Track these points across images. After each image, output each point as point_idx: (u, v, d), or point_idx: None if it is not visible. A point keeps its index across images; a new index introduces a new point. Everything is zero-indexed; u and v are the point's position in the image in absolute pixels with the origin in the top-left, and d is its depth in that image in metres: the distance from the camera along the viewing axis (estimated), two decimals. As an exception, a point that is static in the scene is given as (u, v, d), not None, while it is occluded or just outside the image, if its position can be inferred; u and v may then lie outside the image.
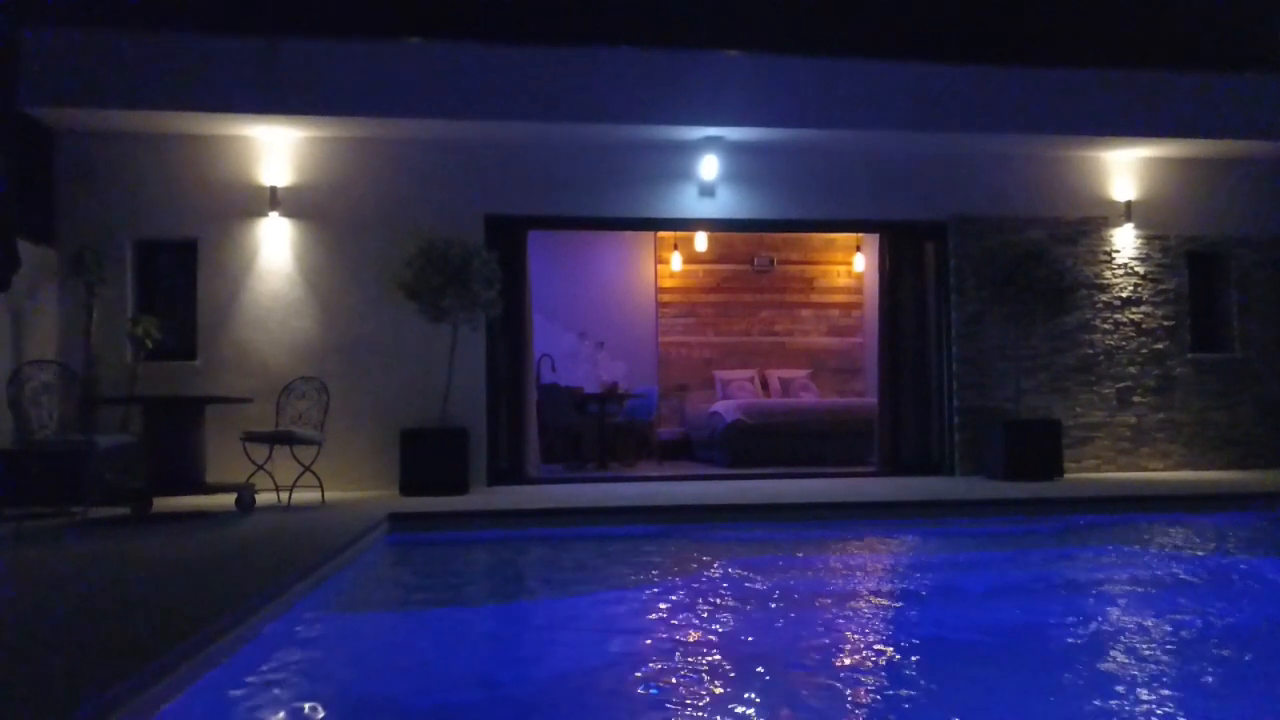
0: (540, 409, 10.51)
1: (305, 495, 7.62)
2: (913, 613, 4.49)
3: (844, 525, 6.69)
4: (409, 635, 4.25)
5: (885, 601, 4.70)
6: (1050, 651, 3.78)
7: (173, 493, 6.80)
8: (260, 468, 7.30)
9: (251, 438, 7.17)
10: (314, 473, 7.44)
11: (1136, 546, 6.08)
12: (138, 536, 5.85)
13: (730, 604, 4.56)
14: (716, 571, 5.27)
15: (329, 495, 7.92)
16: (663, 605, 4.56)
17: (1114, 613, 4.47)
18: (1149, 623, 4.17)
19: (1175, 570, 5.30)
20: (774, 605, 4.55)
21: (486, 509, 6.85)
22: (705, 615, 4.36)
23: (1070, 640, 3.93)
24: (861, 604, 4.61)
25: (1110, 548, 6.03)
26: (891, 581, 5.24)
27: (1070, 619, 4.24)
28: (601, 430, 10.80)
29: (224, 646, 3.45)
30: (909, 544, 6.34)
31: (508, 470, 9.03)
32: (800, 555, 5.96)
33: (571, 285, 12.54)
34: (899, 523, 6.84)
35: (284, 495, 7.35)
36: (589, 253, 12.64)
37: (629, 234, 12.63)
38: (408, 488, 8.06)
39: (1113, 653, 3.73)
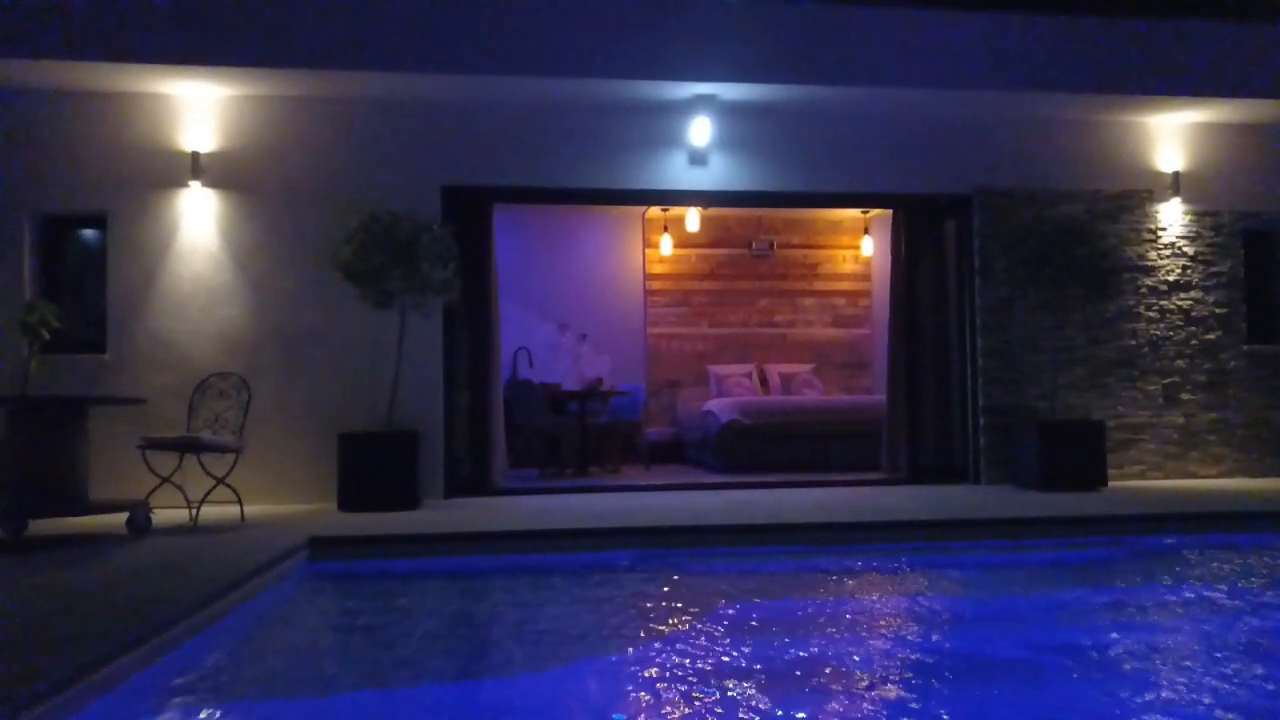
0: (511, 409, 9.35)
1: (225, 511, 6.46)
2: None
3: (859, 551, 5.53)
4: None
5: (935, 683, 3.50)
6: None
7: (44, 514, 5.63)
8: (165, 480, 6.15)
9: (152, 445, 6.00)
10: (229, 486, 6.28)
11: (1250, 583, 4.89)
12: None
13: (728, 680, 3.40)
14: (706, 626, 4.11)
15: (256, 510, 6.79)
16: (640, 679, 3.41)
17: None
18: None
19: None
20: (781, 685, 3.40)
21: (429, 531, 5.69)
22: (693, 692, 3.21)
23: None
24: (899, 689, 3.43)
25: (1213, 586, 4.80)
26: (935, 648, 3.98)
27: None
28: (582, 432, 9.65)
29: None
30: (947, 581, 5.18)
31: (469, 480, 7.87)
32: (806, 599, 4.77)
33: (550, 271, 11.39)
34: (927, 547, 5.68)
35: (207, 513, 6.20)
36: (570, 235, 11.48)
37: (614, 215, 11.48)
38: (347, 502, 6.90)
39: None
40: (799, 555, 5.53)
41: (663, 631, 3.94)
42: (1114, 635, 3.97)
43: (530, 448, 9.87)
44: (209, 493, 6.17)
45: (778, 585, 4.99)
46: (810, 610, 4.35)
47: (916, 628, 4.13)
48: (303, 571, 5.16)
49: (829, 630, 4.03)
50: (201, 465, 6.15)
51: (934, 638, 4.00)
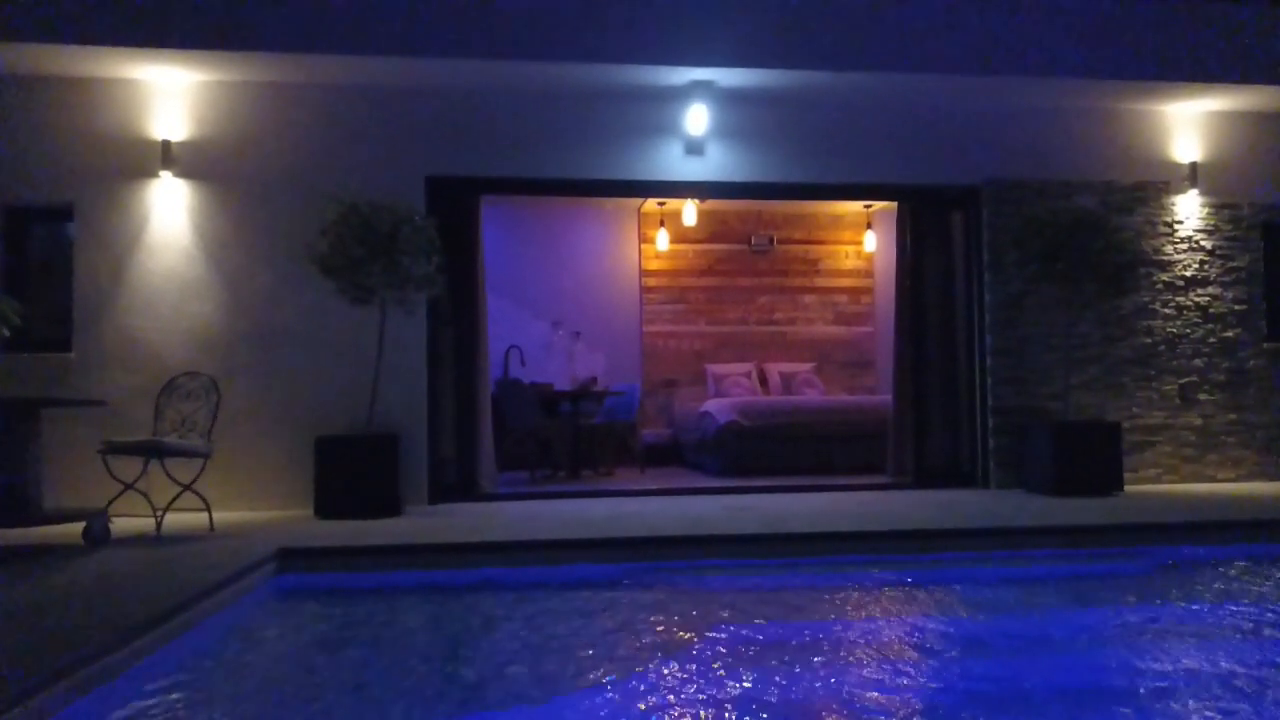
0: (500, 409, 8.99)
1: (194, 520, 6.10)
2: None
3: (866, 563, 5.16)
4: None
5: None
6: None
7: (-7, 523, 5.27)
8: (129, 487, 5.79)
9: (112, 449, 5.64)
10: (196, 493, 5.92)
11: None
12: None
13: None
14: (701, 653, 3.75)
15: (229, 518, 6.44)
16: None
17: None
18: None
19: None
20: None
21: (403, 542, 5.32)
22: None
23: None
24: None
25: (1264, 605, 4.40)
26: (963, 680, 3.54)
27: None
28: (575, 434, 9.29)
29: None
30: (964, 598, 4.82)
31: (455, 484, 7.51)
32: (810, 620, 4.39)
33: (543, 267, 11.04)
34: (939, 559, 5.32)
35: (176, 521, 5.84)
36: (563, 230, 11.13)
37: (609, 209, 11.12)
38: (325, 509, 6.54)
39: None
40: (802, 568, 5.17)
41: (652, 661, 3.58)
42: (1157, 664, 3.59)
43: (521, 450, 9.51)
44: (173, 500, 5.80)
45: (779, 604, 4.62)
46: (816, 634, 3.99)
47: (938, 656, 3.76)
48: (268, 587, 4.79)
49: (838, 658, 3.66)
50: (165, 471, 5.79)
51: (959, 669, 3.63)
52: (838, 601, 4.62)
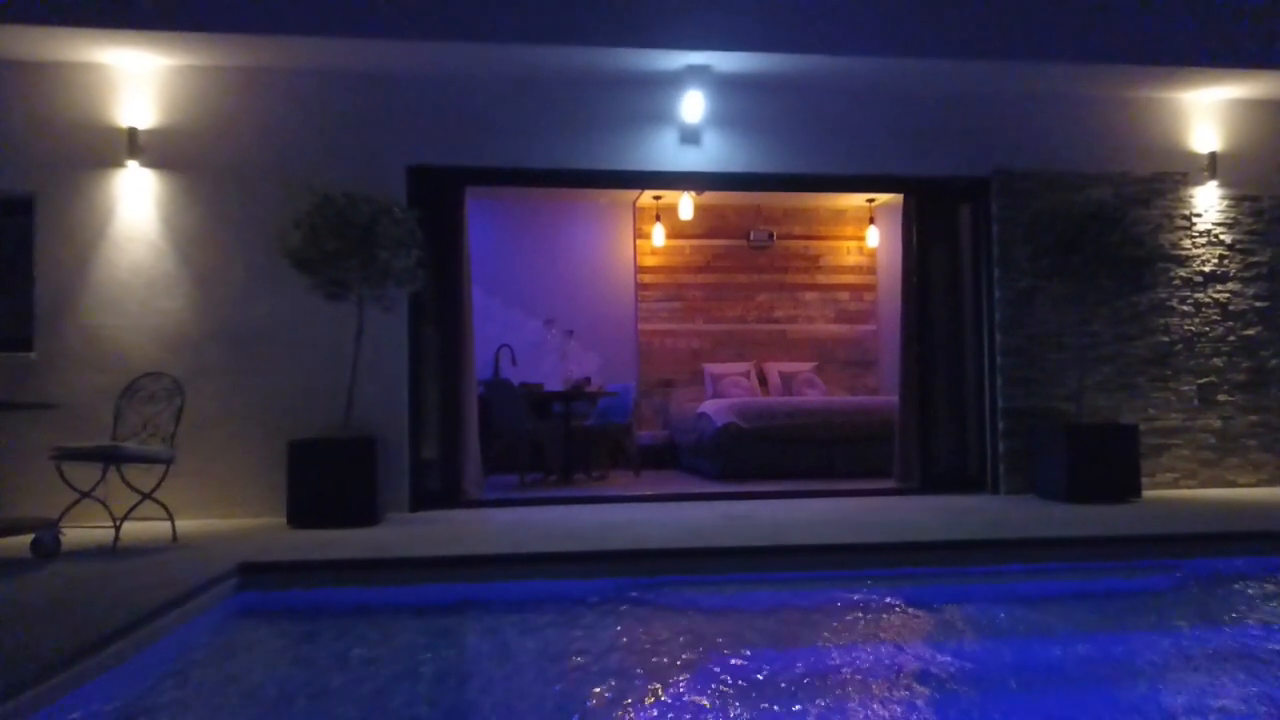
0: (489, 411, 8.64)
1: (157, 529, 5.74)
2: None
3: (875, 578, 4.79)
4: None
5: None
6: None
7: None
8: (86, 495, 5.43)
9: (65, 455, 5.27)
10: (158, 501, 5.55)
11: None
12: None
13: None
14: (696, 686, 3.39)
15: (196, 527, 6.09)
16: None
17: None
18: None
19: None
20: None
21: (375, 556, 4.94)
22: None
23: None
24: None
25: None
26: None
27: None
28: (567, 436, 8.93)
29: None
30: (988, 617, 4.45)
31: (439, 491, 7.15)
32: (817, 646, 4.03)
33: (535, 264, 10.68)
34: (954, 572, 4.95)
35: (138, 531, 5.47)
36: (556, 225, 10.77)
37: (603, 204, 10.76)
38: (298, 517, 6.18)
39: None
40: (803, 585, 4.80)
41: (639, 698, 3.22)
42: (1222, 699, 3.22)
43: (511, 453, 9.14)
44: (131, 510, 5.43)
45: (778, 627, 4.26)
46: (825, 663, 3.62)
47: (977, 687, 3.38)
48: (226, 607, 4.42)
49: (851, 694, 3.30)
50: (123, 479, 5.42)
51: (1004, 705, 3.25)
52: (842, 625, 4.26)
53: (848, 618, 4.32)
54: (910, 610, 4.43)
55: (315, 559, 4.85)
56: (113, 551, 5.22)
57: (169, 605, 3.98)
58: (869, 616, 4.33)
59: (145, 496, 5.45)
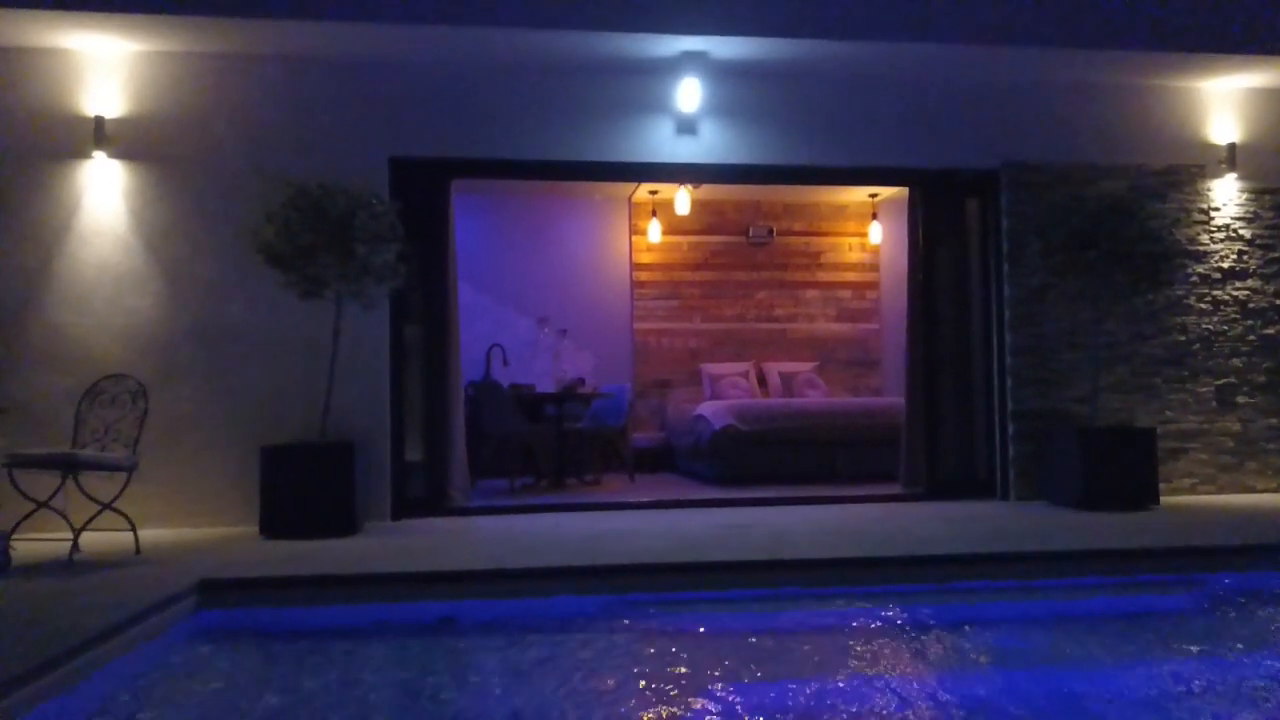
0: (477, 414, 8.31)
1: (120, 541, 5.40)
2: None
3: (884, 595, 4.47)
4: None
5: None
6: None
7: None
8: (42, 505, 5.10)
9: (18, 463, 4.94)
10: (119, 511, 5.22)
11: None
12: None
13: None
14: None
15: (165, 537, 5.78)
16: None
17: None
18: None
19: None
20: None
21: (348, 572, 4.61)
22: None
23: None
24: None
25: None
26: None
27: None
28: (559, 439, 8.60)
29: None
30: (1013, 641, 4.11)
31: (423, 498, 6.82)
32: (826, 676, 3.70)
33: (528, 261, 10.35)
34: (969, 588, 4.61)
35: (100, 542, 5.14)
36: (549, 221, 10.44)
37: (597, 199, 10.43)
38: (271, 527, 5.85)
39: None
40: (806, 603, 4.48)
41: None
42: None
43: (501, 457, 8.81)
44: (89, 521, 5.10)
45: (778, 652, 3.93)
46: (836, 698, 3.29)
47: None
48: (184, 628, 4.10)
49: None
50: (80, 488, 5.09)
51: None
52: (847, 650, 3.93)
53: (850, 643, 3.98)
54: (915, 633, 4.10)
55: (280, 575, 4.52)
56: (68, 566, 4.89)
57: (114, 629, 3.67)
58: (873, 642, 4.00)
59: (105, 507, 5.12)
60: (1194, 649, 3.86)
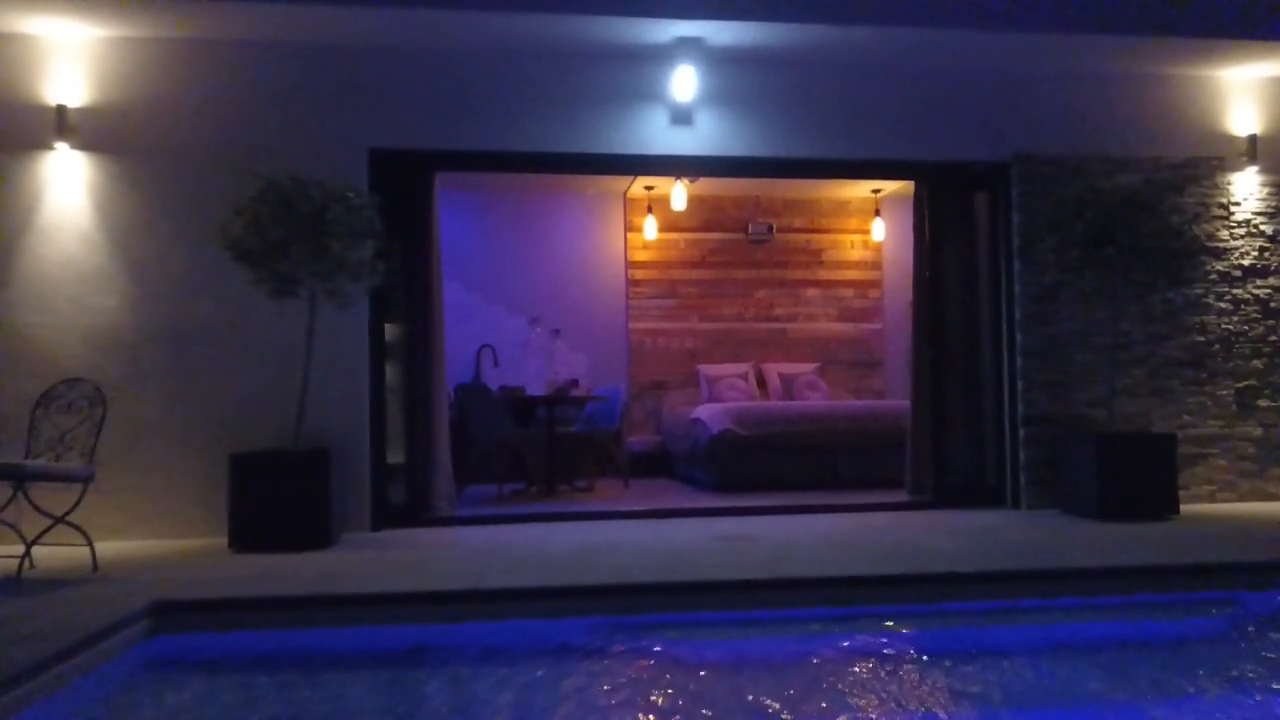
0: (465, 417, 7.97)
1: (78, 556, 5.06)
2: None
3: (895, 616, 4.13)
4: None
5: None
6: None
7: None
8: (-9, 519, 4.77)
9: (-38, 474, 4.61)
10: (73, 525, 4.88)
11: None
12: None
13: None
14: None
15: (127, 549, 5.46)
16: None
17: None
18: None
19: None
20: None
21: (314, 591, 4.27)
22: None
23: None
24: None
25: None
26: None
27: None
28: (550, 444, 8.26)
29: None
30: (1042, 673, 3.77)
31: (405, 507, 6.49)
32: (835, 714, 3.38)
33: (519, 258, 10.02)
34: (978, 610, 4.29)
35: (55, 558, 4.81)
36: (542, 218, 10.11)
37: (590, 194, 10.11)
38: (240, 540, 5.51)
39: None
40: (808, 626, 4.14)
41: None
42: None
43: (489, 462, 8.47)
44: (39, 536, 4.76)
45: (778, 685, 3.59)
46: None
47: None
48: (133, 656, 3.75)
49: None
50: (29, 500, 4.75)
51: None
52: (854, 681, 3.59)
53: (869, 674, 3.64)
54: (930, 661, 3.77)
55: (239, 596, 4.18)
56: (16, 584, 4.56)
57: (55, 658, 3.33)
58: (881, 672, 3.66)
59: (57, 521, 4.79)
60: (1250, 676, 3.52)
